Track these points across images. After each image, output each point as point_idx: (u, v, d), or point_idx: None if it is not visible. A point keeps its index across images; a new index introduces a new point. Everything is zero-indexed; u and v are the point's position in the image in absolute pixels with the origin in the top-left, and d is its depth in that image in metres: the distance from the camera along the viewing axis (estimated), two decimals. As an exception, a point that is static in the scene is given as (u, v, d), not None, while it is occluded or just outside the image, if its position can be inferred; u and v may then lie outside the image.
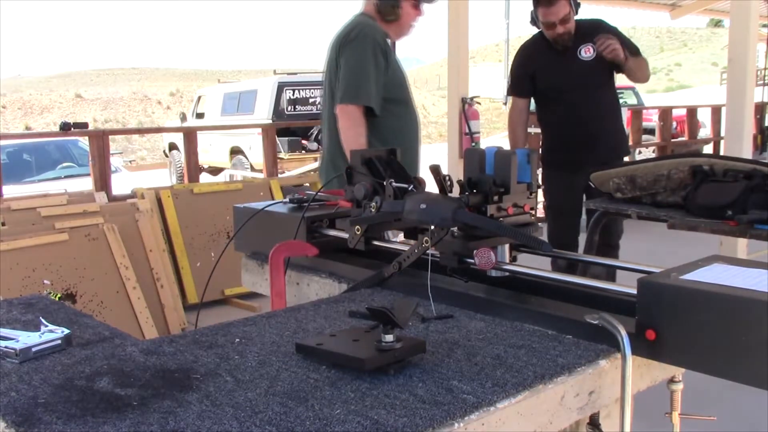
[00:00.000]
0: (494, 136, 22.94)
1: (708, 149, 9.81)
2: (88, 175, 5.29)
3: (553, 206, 3.74)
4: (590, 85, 3.48)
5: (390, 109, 2.73)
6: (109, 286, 4.07)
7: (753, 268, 1.19)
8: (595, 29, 3.46)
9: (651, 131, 10.41)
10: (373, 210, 1.54)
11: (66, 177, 7.55)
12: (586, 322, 1.18)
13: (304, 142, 10.99)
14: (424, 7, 2.83)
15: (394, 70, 2.74)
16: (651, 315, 1.14)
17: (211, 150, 11.73)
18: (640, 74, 3.54)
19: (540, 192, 3.29)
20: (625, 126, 3.94)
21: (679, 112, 10.52)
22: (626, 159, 3.77)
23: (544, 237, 1.43)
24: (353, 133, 2.63)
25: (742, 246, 4.86)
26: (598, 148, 3.47)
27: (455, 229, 1.40)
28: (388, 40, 2.76)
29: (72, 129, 6.00)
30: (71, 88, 29.56)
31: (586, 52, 3.44)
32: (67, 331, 1.26)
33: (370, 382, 1.05)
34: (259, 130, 6.81)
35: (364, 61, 2.64)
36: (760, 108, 9.81)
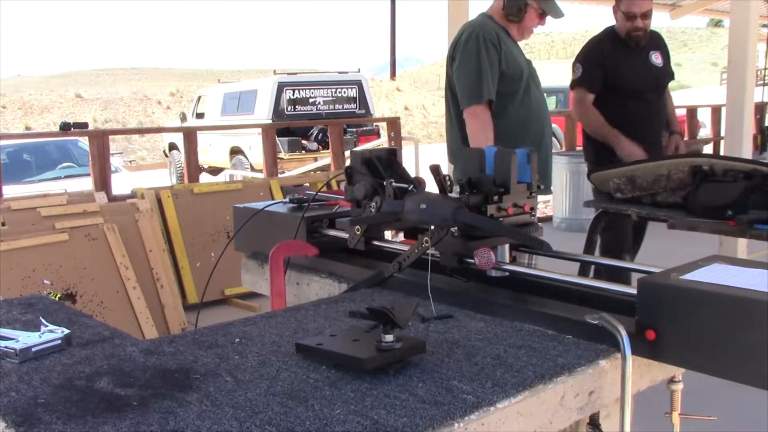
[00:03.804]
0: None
1: (708, 149, 9.80)
2: (88, 175, 5.29)
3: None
4: (659, 88, 3.60)
5: (504, 105, 2.84)
6: (109, 286, 4.07)
7: (753, 268, 1.19)
8: (660, 39, 3.66)
9: (651, 131, 10.40)
10: (373, 210, 1.54)
11: (66, 177, 7.55)
12: (586, 322, 1.18)
13: (304, 142, 10.99)
14: (549, 18, 2.98)
15: (508, 62, 2.84)
16: (651, 315, 1.14)
17: (211, 150, 11.72)
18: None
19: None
20: None
21: (679, 112, 10.48)
22: None
23: (548, 236, 1.42)
24: (482, 137, 2.79)
25: (742, 246, 4.86)
26: (658, 147, 3.53)
27: (455, 229, 1.40)
28: (503, 36, 2.87)
29: (72, 129, 6.00)
30: (71, 88, 29.53)
31: (656, 59, 3.54)
32: (67, 331, 1.26)
33: (370, 382, 1.05)
34: (259, 130, 6.81)
35: (477, 60, 2.79)
36: (760, 108, 9.79)
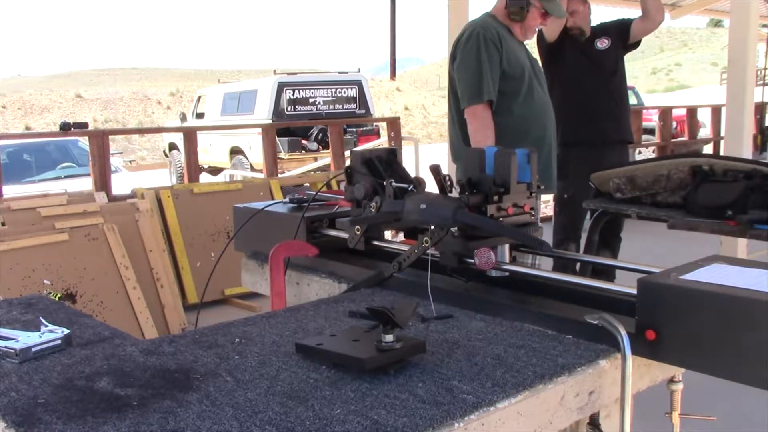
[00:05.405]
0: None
1: (708, 149, 9.79)
2: (88, 175, 5.28)
3: (577, 189, 3.60)
4: (609, 69, 3.85)
5: (505, 104, 2.85)
6: (109, 286, 4.07)
7: (753, 268, 1.19)
8: (606, 25, 3.93)
9: (651, 131, 10.41)
10: (373, 210, 1.54)
11: (66, 177, 7.54)
12: (586, 322, 1.18)
13: (304, 142, 10.98)
14: (552, 19, 3.05)
15: (510, 61, 2.85)
16: (651, 315, 1.14)
17: (211, 150, 11.72)
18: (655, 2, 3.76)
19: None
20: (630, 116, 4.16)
21: (679, 112, 10.51)
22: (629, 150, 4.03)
23: (548, 236, 1.42)
24: (481, 136, 2.80)
25: (742, 246, 4.86)
26: (612, 119, 3.79)
27: (455, 229, 1.40)
28: (505, 35, 2.89)
29: (72, 129, 6.00)
30: (71, 88, 29.51)
31: (601, 44, 3.85)
32: (67, 331, 1.26)
33: (370, 382, 1.05)
34: (259, 130, 6.80)
35: (478, 59, 2.81)
36: (760, 108, 9.80)
